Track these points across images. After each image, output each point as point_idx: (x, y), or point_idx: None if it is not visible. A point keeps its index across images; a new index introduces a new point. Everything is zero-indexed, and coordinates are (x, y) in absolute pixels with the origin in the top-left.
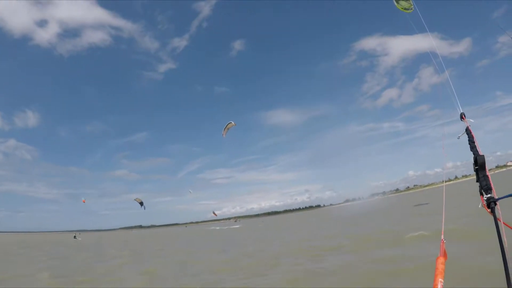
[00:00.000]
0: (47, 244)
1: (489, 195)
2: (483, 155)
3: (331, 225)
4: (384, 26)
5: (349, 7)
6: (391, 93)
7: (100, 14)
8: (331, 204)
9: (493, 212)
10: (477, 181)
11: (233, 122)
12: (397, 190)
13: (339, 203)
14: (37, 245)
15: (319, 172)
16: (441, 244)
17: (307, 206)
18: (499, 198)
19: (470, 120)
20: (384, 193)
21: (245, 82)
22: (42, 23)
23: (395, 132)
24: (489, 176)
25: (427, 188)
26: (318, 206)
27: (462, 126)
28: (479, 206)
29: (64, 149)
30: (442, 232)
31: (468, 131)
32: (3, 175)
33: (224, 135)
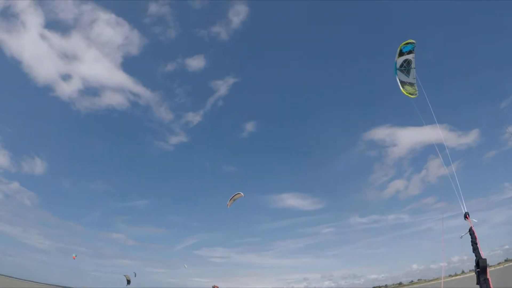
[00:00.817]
0: None
1: None
2: (485, 259)
3: None
4: (394, 117)
5: (357, 98)
6: (398, 184)
7: (121, 78)
8: None
9: None
10: (477, 284)
11: (241, 193)
12: (400, 284)
13: None
14: None
15: (318, 261)
16: None
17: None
18: None
19: (474, 220)
20: (386, 286)
21: (254, 164)
22: (66, 77)
23: (400, 224)
24: (490, 280)
25: (432, 282)
26: None
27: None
28: None
29: (65, 201)
30: None
31: (471, 232)
32: (0, 215)
33: (228, 206)
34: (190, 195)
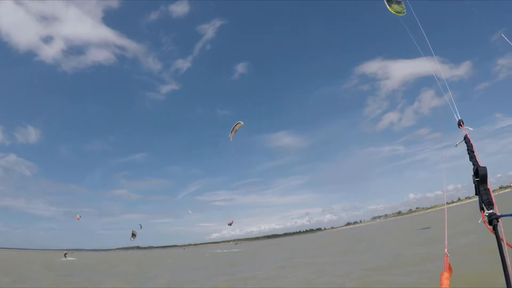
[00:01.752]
0: (27, 263)
1: (490, 211)
2: (485, 167)
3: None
4: (385, 50)
5: (351, 31)
6: (392, 116)
7: (105, 33)
8: (332, 227)
9: (495, 230)
10: (476, 194)
11: (241, 122)
12: (399, 213)
13: (341, 226)
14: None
15: (319, 196)
16: (445, 258)
17: (308, 229)
18: (502, 215)
19: (469, 128)
20: (386, 216)
21: (247, 105)
22: (47, 39)
23: (396, 156)
24: (490, 190)
25: (429, 210)
26: (319, 229)
27: (459, 134)
28: (479, 222)
29: (64, 167)
30: (446, 246)
31: (466, 140)
32: (2, 190)
33: (231, 138)
34: (187, 143)
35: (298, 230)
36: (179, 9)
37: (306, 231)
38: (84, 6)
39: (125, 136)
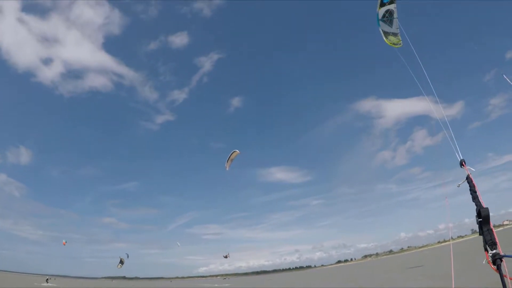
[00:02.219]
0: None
1: (494, 251)
2: (487, 208)
3: None
4: (379, 89)
5: (344, 69)
6: (385, 155)
7: (104, 59)
8: (322, 265)
9: (499, 269)
10: (480, 235)
11: (237, 151)
12: (390, 252)
13: (331, 264)
14: None
15: (309, 233)
16: None
17: (297, 266)
18: (506, 256)
19: (471, 168)
20: (377, 254)
21: (242, 139)
22: (47, 61)
23: (388, 194)
24: (494, 230)
25: (422, 249)
26: (309, 266)
27: (460, 174)
28: (483, 262)
29: (54, 190)
30: (453, 282)
31: (469, 180)
32: None
33: (227, 168)
34: (179, 174)
35: (288, 267)
36: (179, 41)
37: (296, 268)
38: (86, 30)
39: (117, 163)
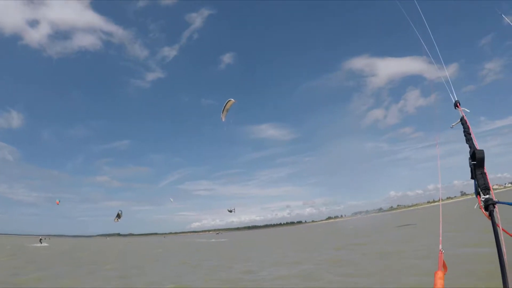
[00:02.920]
0: None
1: (487, 196)
2: (482, 150)
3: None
4: (373, 47)
5: (339, 26)
6: (377, 113)
7: (92, 18)
8: (313, 221)
9: (491, 216)
10: (472, 178)
11: (232, 99)
12: (380, 210)
13: (321, 220)
14: None
15: (300, 189)
16: (440, 255)
17: (288, 221)
18: (499, 202)
19: (466, 109)
20: (367, 211)
21: (233, 95)
22: (33, 23)
23: (378, 153)
24: (487, 174)
25: (412, 208)
26: (300, 222)
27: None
28: (475, 207)
29: (46, 152)
30: (440, 242)
31: (463, 121)
32: None
33: (223, 118)
34: (170, 132)
35: (278, 222)
36: None
37: (287, 223)
38: None
39: (108, 122)
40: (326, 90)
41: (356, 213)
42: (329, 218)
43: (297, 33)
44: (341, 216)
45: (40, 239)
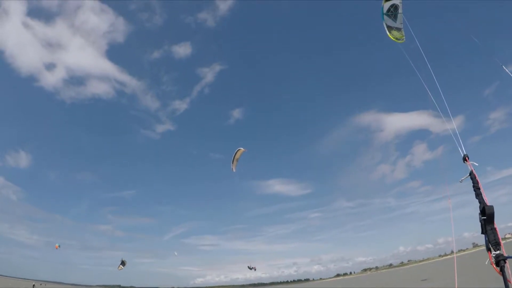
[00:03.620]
0: None
1: (497, 252)
2: (492, 206)
3: None
4: (380, 103)
5: (343, 84)
6: (384, 168)
7: (107, 66)
8: (321, 278)
9: (502, 271)
10: (482, 233)
11: (242, 148)
12: (390, 265)
13: (330, 278)
14: None
15: (307, 246)
16: None
17: (295, 279)
18: (510, 257)
19: (474, 163)
20: (377, 268)
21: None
22: (50, 66)
23: (386, 208)
24: (497, 230)
25: (422, 263)
26: (307, 279)
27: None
28: (486, 263)
29: (51, 195)
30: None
31: (472, 175)
32: None
33: (233, 169)
34: (177, 184)
35: (285, 280)
36: (182, 50)
37: (294, 281)
38: (90, 36)
39: (116, 170)
40: (335, 145)
41: (365, 269)
42: (338, 275)
43: (305, 88)
44: (350, 273)
45: (34, 285)
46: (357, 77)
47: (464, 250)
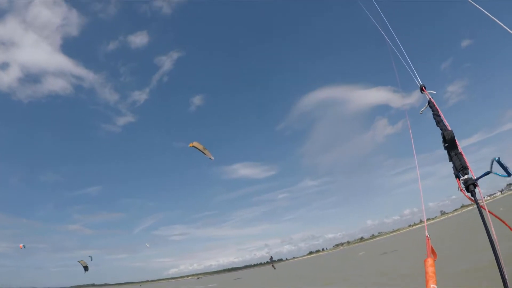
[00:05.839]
0: None
1: (466, 176)
2: (451, 130)
3: None
4: (341, 77)
5: (305, 57)
6: (348, 145)
7: (62, 62)
8: (294, 258)
9: (473, 196)
10: (450, 160)
11: (194, 142)
12: (361, 239)
13: (303, 256)
14: None
15: (276, 227)
16: (427, 242)
17: (268, 261)
18: (479, 177)
19: (432, 91)
20: (348, 242)
21: (204, 137)
22: (3, 66)
23: (351, 184)
24: (463, 154)
25: (393, 234)
26: (280, 260)
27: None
28: (457, 190)
29: (14, 198)
30: (426, 228)
31: (431, 104)
32: None
33: (211, 157)
34: (142, 176)
35: (258, 262)
36: (138, 40)
37: (267, 262)
38: (43, 31)
39: (79, 168)
40: (296, 123)
41: (337, 245)
42: (311, 252)
43: (264, 70)
44: (323, 249)
45: None
46: (317, 53)
47: (433, 218)
